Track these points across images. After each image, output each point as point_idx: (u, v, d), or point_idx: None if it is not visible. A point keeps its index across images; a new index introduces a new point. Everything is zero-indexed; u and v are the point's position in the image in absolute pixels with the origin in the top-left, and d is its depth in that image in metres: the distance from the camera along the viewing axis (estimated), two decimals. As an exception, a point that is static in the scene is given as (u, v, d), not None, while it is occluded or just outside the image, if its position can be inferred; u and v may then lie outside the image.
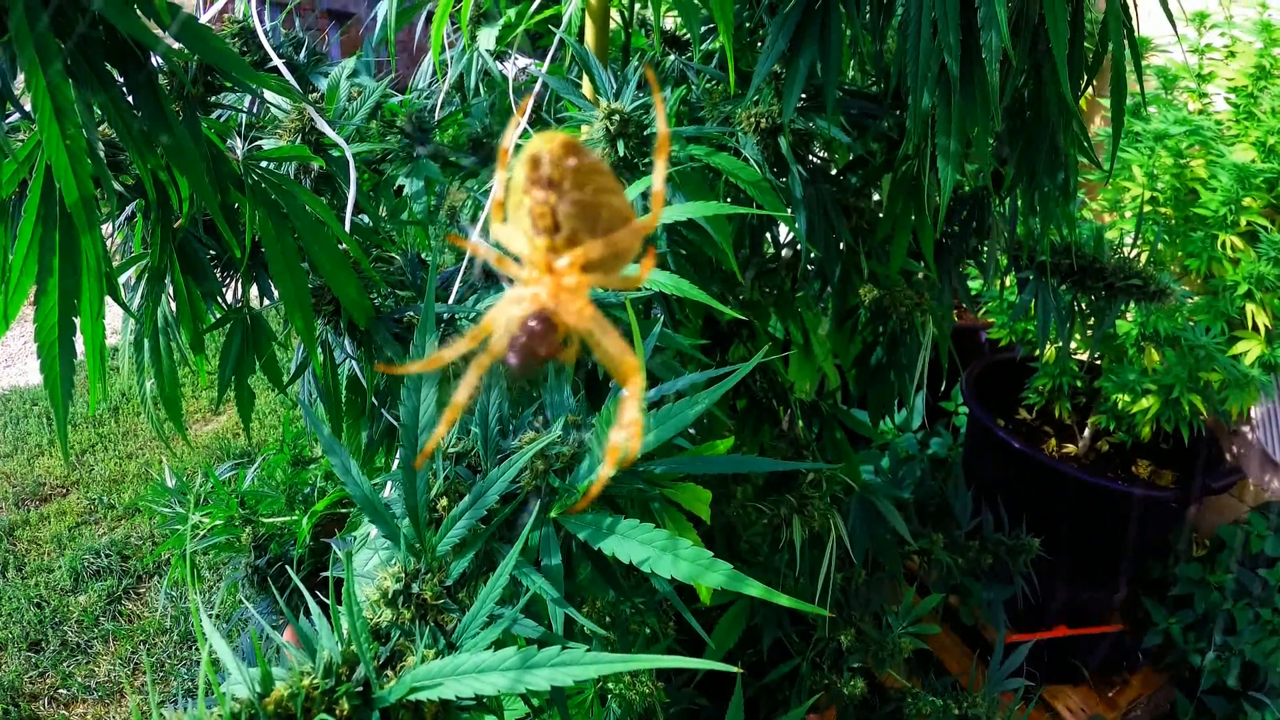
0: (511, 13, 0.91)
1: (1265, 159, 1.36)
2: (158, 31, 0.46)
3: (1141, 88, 0.74)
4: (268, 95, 0.76)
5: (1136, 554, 1.55)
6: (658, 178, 0.29)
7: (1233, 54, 1.49)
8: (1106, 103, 1.37)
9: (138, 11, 0.44)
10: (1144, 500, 1.48)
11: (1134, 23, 0.67)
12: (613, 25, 0.82)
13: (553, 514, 0.56)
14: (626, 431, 0.27)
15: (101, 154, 0.51)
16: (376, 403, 0.73)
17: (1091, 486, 1.45)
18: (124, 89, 0.47)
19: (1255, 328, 1.36)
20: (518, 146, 0.28)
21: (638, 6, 0.87)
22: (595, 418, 0.57)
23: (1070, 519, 1.49)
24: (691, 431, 0.54)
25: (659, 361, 0.59)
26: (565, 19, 0.77)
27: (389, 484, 0.63)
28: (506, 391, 0.58)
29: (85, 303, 0.50)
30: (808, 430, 0.90)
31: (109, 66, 0.46)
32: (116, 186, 0.62)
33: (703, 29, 0.77)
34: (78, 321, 0.51)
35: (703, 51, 0.77)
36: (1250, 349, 1.36)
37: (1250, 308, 1.35)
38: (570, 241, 0.27)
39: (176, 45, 0.49)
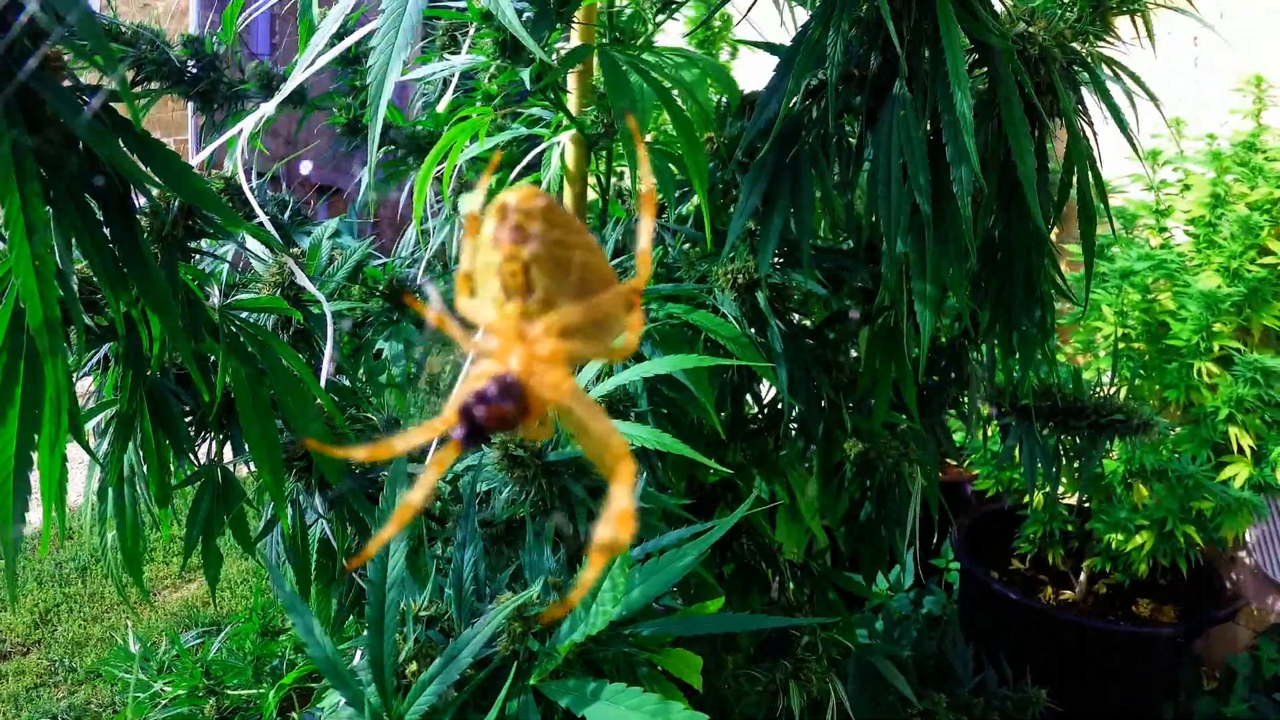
0: (492, 180, 0.93)
1: (1231, 283, 1.40)
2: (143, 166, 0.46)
3: (1110, 221, 0.75)
4: (249, 248, 0.76)
5: (1147, 695, 1.50)
6: (644, 235, 0.26)
7: (1187, 186, 1.56)
8: (1070, 246, 1.42)
9: (119, 142, 0.44)
10: (1149, 639, 1.45)
11: (1096, 151, 0.69)
12: (591, 195, 0.85)
13: (532, 680, 0.53)
14: (615, 524, 0.23)
15: (75, 286, 0.50)
16: (348, 566, 0.70)
17: (1093, 631, 1.42)
18: (101, 222, 0.47)
19: (1241, 450, 1.36)
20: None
21: (614, 169, 0.90)
22: (575, 579, 0.54)
23: (1075, 666, 1.44)
24: (678, 601, 0.52)
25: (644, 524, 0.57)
26: (544, 185, 0.80)
27: (358, 651, 0.60)
28: (483, 554, 0.56)
29: (45, 435, 0.48)
30: (799, 592, 0.87)
31: (88, 198, 0.46)
32: (88, 321, 0.61)
33: (677, 193, 0.79)
34: (35, 456, 0.49)
35: (677, 214, 0.79)
36: (1238, 472, 1.37)
37: (1234, 431, 1.36)
38: (545, 304, 0.24)
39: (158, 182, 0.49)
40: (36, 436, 0.46)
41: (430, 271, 0.95)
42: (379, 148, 1.06)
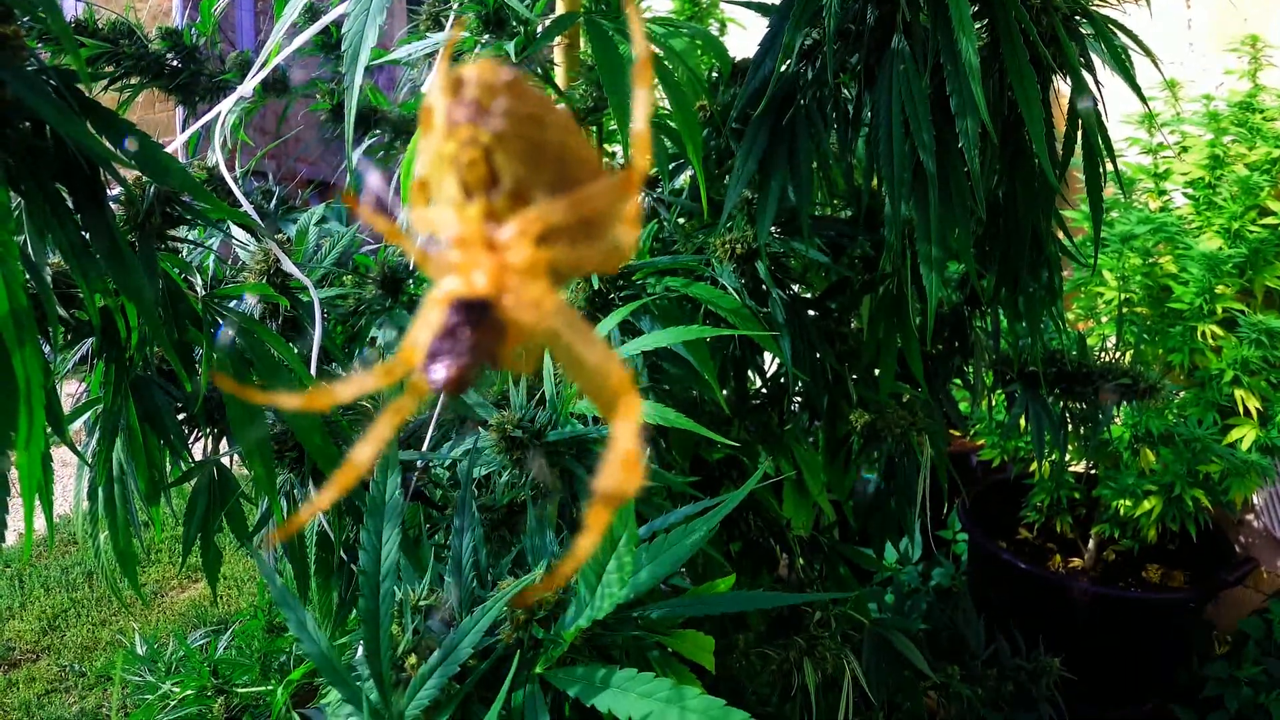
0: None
1: (1232, 244, 1.38)
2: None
3: (1119, 180, 0.73)
4: (235, 236, 0.75)
5: (1160, 661, 1.50)
6: (640, 111, 0.21)
7: (1185, 149, 1.55)
8: (1067, 212, 1.41)
9: (87, 124, 0.42)
10: (1160, 605, 1.45)
11: (1101, 105, 0.67)
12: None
13: (538, 669, 0.51)
14: (618, 470, 0.18)
15: (48, 277, 0.49)
16: (347, 558, 0.68)
17: (1104, 598, 1.42)
18: (72, 210, 0.45)
19: (1247, 412, 1.35)
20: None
21: (606, 146, 0.88)
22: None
23: (1087, 634, 1.44)
24: (687, 581, 0.50)
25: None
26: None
27: (359, 644, 0.58)
28: (484, 540, 0.55)
29: (21, 431, 0.46)
30: (809, 568, 0.85)
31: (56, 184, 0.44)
32: (63, 313, 0.59)
33: (671, 165, 0.77)
34: (13, 456, 0.47)
35: (672, 186, 0.78)
36: (1245, 434, 1.36)
37: (1239, 393, 1.35)
38: (516, 199, 0.19)
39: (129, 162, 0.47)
40: (14, 435, 0.44)
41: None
42: (365, 131, 1.05)
